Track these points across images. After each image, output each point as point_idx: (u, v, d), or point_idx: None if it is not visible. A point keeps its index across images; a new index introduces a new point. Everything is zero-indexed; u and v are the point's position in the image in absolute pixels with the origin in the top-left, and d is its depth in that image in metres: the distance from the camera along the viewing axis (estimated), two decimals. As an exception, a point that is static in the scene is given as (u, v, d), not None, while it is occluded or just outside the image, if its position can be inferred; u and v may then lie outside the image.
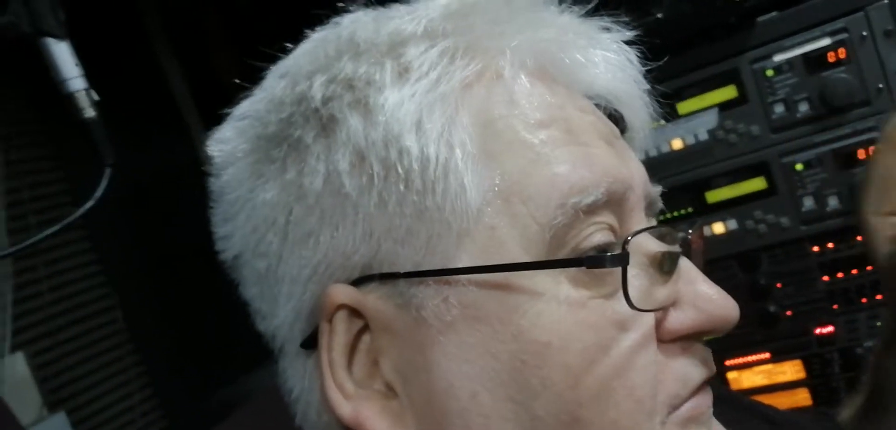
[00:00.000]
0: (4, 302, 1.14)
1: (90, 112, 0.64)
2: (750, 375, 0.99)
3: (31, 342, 1.19)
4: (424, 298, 0.36)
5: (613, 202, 0.37)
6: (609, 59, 0.41)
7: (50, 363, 1.22)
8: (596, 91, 0.41)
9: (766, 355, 0.97)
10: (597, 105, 0.42)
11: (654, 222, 0.42)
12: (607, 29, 0.42)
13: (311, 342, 0.39)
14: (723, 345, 0.98)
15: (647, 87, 0.43)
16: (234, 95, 0.44)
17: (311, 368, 0.40)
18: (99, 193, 0.64)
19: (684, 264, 0.38)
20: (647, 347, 0.36)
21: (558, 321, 0.35)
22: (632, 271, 0.36)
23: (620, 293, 0.36)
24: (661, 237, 0.40)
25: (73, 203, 1.28)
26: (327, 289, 0.37)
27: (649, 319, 0.37)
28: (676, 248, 0.39)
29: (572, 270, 0.36)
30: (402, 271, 0.36)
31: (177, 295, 1.35)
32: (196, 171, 0.45)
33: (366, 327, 0.38)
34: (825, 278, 0.92)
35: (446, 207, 0.36)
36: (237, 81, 0.44)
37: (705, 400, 0.39)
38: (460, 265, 0.36)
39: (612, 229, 0.37)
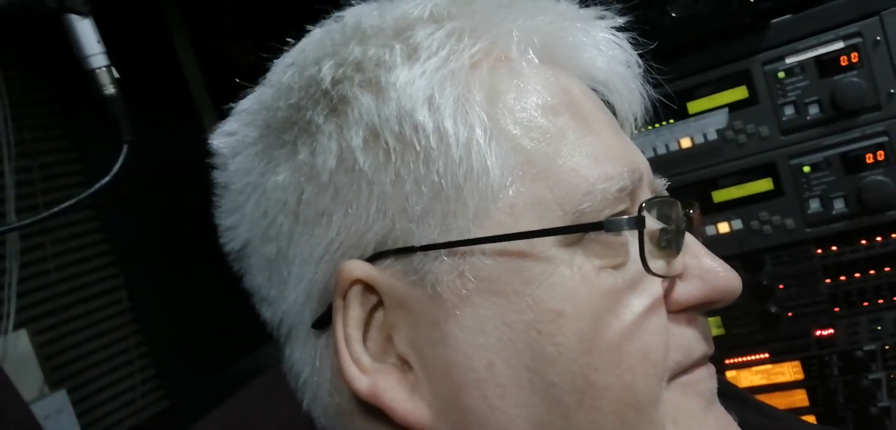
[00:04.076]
0: (10, 279, 1.15)
1: (111, 89, 0.65)
2: (748, 374, 1.00)
3: (34, 320, 1.20)
4: (440, 273, 0.37)
5: (631, 190, 0.39)
6: (606, 44, 0.42)
7: (53, 341, 1.22)
8: (593, 76, 0.42)
9: (766, 355, 0.98)
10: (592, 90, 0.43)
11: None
12: (602, 17, 0.43)
13: (322, 322, 0.40)
14: (723, 344, 0.99)
15: (641, 73, 0.44)
16: (246, 84, 0.44)
17: (322, 348, 0.41)
18: (116, 168, 0.64)
19: (689, 239, 0.40)
20: (657, 312, 0.38)
21: (572, 290, 0.36)
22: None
23: (630, 264, 0.37)
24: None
25: (82, 184, 1.29)
26: (341, 265, 0.38)
27: (658, 287, 0.38)
28: (682, 224, 0.40)
29: (587, 242, 0.37)
30: (417, 245, 0.37)
31: (182, 278, 1.36)
32: (206, 156, 0.45)
33: (379, 304, 0.39)
34: (828, 280, 0.93)
35: (466, 187, 0.37)
36: (250, 69, 0.44)
37: (708, 373, 0.40)
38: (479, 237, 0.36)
39: (626, 211, 0.39)
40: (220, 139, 0.44)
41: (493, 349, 0.37)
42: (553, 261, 0.36)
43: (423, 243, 0.37)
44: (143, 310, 1.33)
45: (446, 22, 0.39)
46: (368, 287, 0.38)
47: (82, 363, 1.26)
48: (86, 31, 0.63)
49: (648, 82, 0.44)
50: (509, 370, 0.37)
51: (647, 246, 0.37)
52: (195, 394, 1.29)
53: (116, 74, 0.65)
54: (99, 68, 0.64)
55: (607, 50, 0.42)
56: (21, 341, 1.17)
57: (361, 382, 0.38)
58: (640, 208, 0.37)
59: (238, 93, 0.45)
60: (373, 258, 0.38)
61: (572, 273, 0.36)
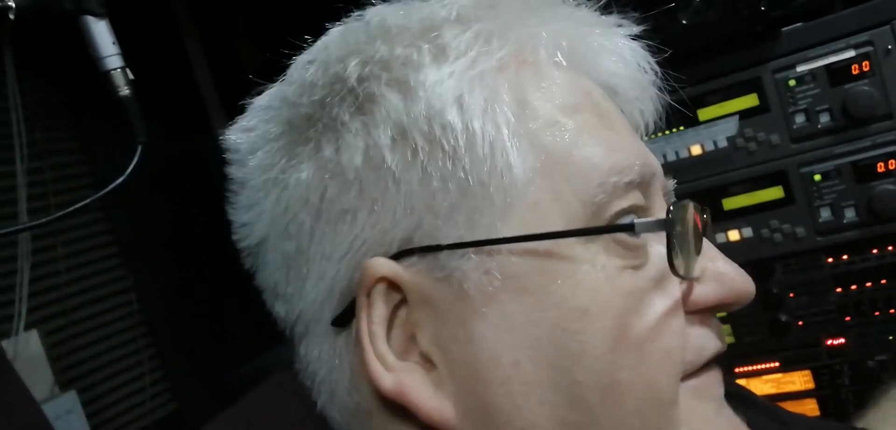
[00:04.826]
0: (21, 280, 1.16)
1: (126, 90, 0.65)
2: (758, 383, 0.99)
3: (45, 321, 1.21)
4: (467, 270, 0.37)
5: (643, 184, 0.40)
6: (626, 50, 0.43)
7: (63, 342, 1.23)
8: (609, 82, 0.43)
9: (776, 364, 0.98)
10: None
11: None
12: (620, 25, 0.43)
13: (343, 319, 0.40)
14: (733, 352, 0.99)
15: (658, 80, 0.45)
16: (259, 81, 0.44)
17: (341, 345, 0.41)
18: (131, 168, 0.65)
19: (705, 243, 0.40)
20: (677, 313, 0.38)
21: (596, 289, 0.37)
22: (663, 246, 0.38)
23: (649, 265, 0.38)
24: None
25: (92, 185, 1.29)
26: (366, 263, 0.38)
27: (678, 289, 0.39)
28: (700, 227, 0.40)
29: (607, 241, 0.37)
30: (444, 243, 0.37)
31: (191, 280, 1.36)
32: (215, 158, 0.46)
33: (402, 302, 0.39)
34: (838, 289, 0.92)
35: (491, 185, 0.37)
36: (260, 72, 0.44)
37: (717, 377, 0.41)
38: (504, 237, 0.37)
39: (640, 207, 0.39)
40: (238, 135, 0.44)
41: (519, 347, 0.37)
42: (576, 259, 0.37)
43: (451, 241, 0.37)
44: (153, 312, 1.34)
45: (473, 23, 0.40)
46: (392, 285, 0.38)
47: (92, 363, 1.26)
48: (101, 33, 0.64)
49: (663, 90, 0.45)
50: (535, 367, 0.37)
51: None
52: (204, 396, 1.30)
53: (131, 76, 0.66)
54: (114, 70, 0.65)
55: (626, 56, 0.43)
56: (32, 342, 1.18)
57: (386, 380, 0.38)
58: (669, 211, 0.38)
59: (249, 94, 0.45)
60: (397, 256, 0.38)
61: (595, 272, 0.37)
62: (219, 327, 1.35)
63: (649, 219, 0.38)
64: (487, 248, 0.37)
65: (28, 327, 1.16)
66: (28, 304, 1.16)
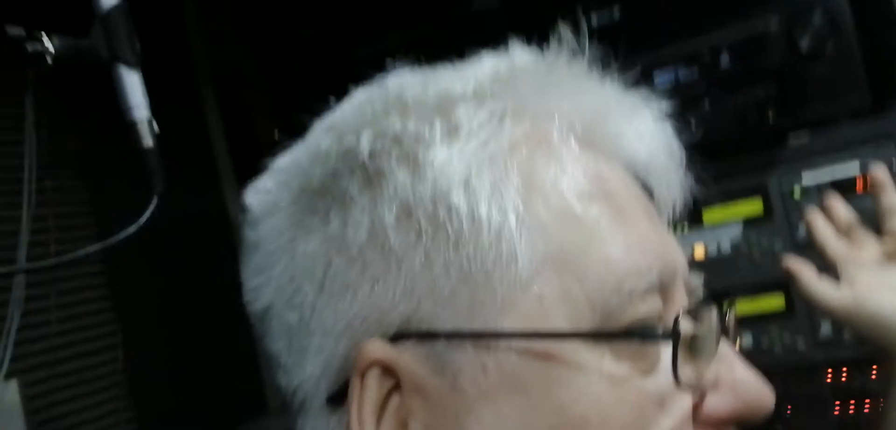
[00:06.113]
0: (10, 326, 1.14)
1: (149, 142, 0.66)
2: (752, 499, 0.97)
3: (28, 371, 1.18)
4: (462, 363, 0.36)
5: (662, 286, 0.38)
6: (650, 131, 0.42)
7: (43, 395, 1.20)
8: (634, 163, 0.42)
9: (770, 481, 0.96)
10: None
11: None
12: (646, 102, 0.42)
13: (337, 398, 0.39)
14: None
15: (685, 163, 0.43)
16: (269, 152, 0.44)
17: (335, 424, 0.39)
18: (144, 218, 0.65)
19: (723, 347, 0.38)
20: (686, 428, 0.36)
21: (599, 397, 0.35)
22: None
23: (658, 370, 0.36)
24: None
25: (96, 239, 1.29)
26: (362, 345, 0.37)
27: (687, 401, 0.37)
28: (716, 330, 0.38)
29: (614, 344, 0.36)
30: (441, 331, 0.36)
31: (180, 344, 1.34)
32: (221, 222, 0.45)
33: (396, 387, 0.37)
34: (837, 405, 0.91)
35: (495, 274, 0.35)
36: (274, 138, 0.44)
37: None
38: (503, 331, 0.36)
39: (657, 309, 0.38)
40: (255, 197, 0.44)
41: None
42: (580, 363, 0.35)
43: (448, 330, 0.36)
44: (138, 372, 1.31)
45: (488, 101, 0.39)
46: (387, 369, 0.37)
47: (68, 420, 1.23)
48: (133, 84, 0.65)
49: (689, 174, 0.44)
50: None
51: (680, 354, 0.36)
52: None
53: (157, 129, 0.67)
54: (140, 121, 0.66)
55: (649, 138, 0.42)
56: (10, 392, 1.15)
57: None
58: (676, 320, 0.36)
59: (263, 158, 0.44)
60: (395, 338, 0.37)
61: (600, 379, 0.35)
62: (203, 394, 1.32)
63: (654, 326, 0.37)
64: (485, 341, 0.35)
65: (9, 375, 1.14)
66: (13, 351, 1.13)
